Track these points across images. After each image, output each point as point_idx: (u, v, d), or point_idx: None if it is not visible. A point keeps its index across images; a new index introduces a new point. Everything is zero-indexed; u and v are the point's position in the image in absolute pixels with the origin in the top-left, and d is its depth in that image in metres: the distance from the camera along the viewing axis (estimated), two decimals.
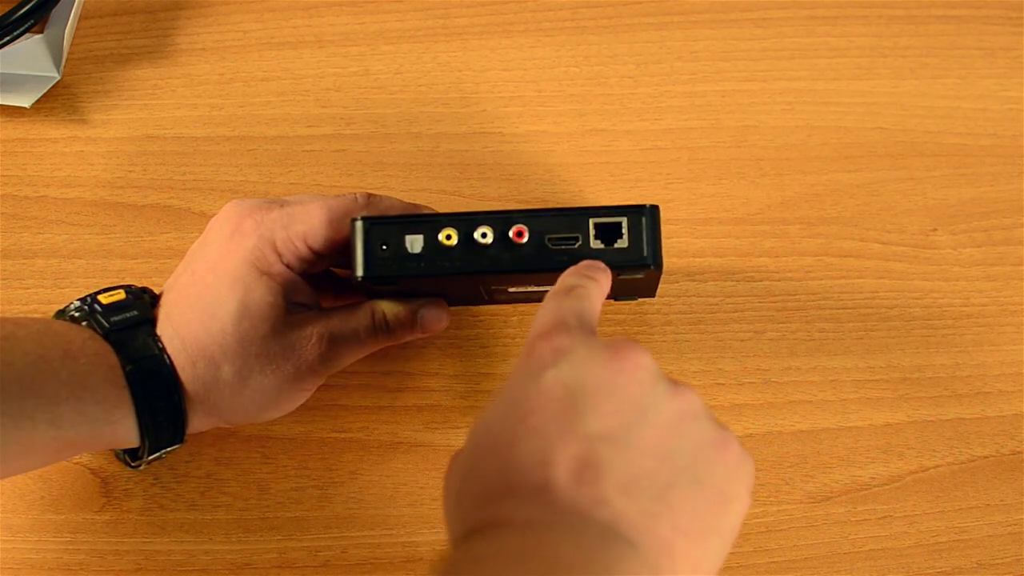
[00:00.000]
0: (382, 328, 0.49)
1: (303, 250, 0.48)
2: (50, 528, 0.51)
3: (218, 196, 0.59)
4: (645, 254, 0.45)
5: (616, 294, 0.51)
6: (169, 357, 0.46)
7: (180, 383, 0.46)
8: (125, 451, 0.49)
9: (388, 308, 0.49)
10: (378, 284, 0.47)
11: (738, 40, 0.64)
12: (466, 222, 0.46)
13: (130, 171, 0.60)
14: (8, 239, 0.58)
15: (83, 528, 0.51)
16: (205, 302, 0.47)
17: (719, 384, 0.55)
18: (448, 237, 0.46)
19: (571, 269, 0.44)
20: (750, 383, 0.55)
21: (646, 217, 0.46)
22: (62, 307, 0.49)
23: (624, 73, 0.63)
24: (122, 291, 0.49)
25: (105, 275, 0.57)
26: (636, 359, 0.38)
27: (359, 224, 0.46)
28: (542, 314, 0.41)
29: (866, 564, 0.51)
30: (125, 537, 0.51)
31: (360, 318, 0.49)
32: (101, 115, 0.61)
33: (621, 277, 0.46)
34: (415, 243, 0.46)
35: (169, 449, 0.48)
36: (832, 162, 0.60)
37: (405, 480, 0.53)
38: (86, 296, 0.49)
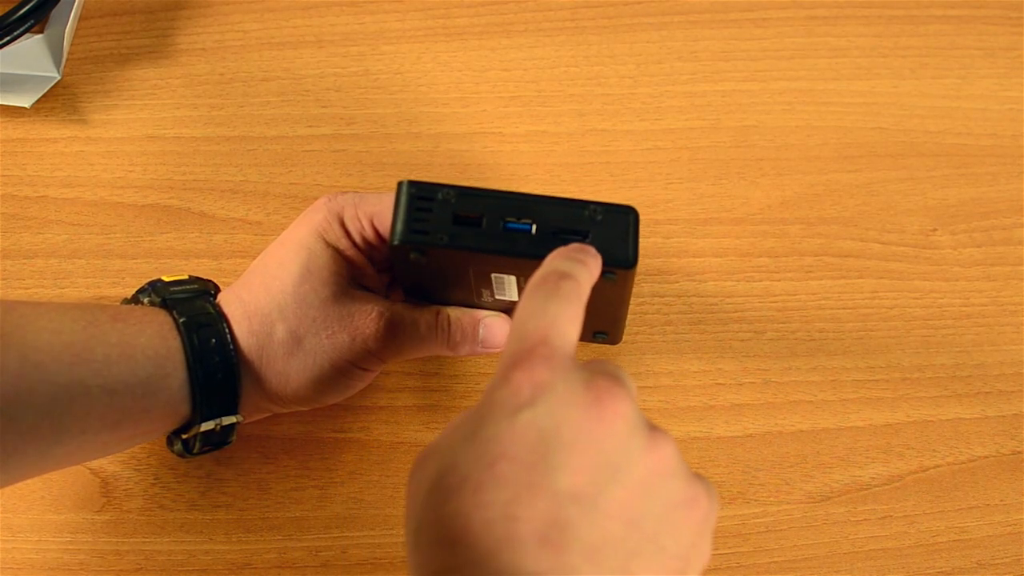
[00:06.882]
0: (443, 327, 0.49)
1: (369, 231, 0.48)
2: (50, 528, 0.51)
3: (218, 196, 0.59)
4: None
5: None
6: (227, 318, 0.47)
7: (235, 341, 0.47)
8: (178, 432, 0.48)
9: (452, 312, 0.50)
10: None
11: (738, 40, 0.64)
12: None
13: (130, 171, 0.60)
14: (8, 239, 0.58)
15: (83, 528, 0.51)
16: (269, 267, 0.48)
17: (719, 384, 0.55)
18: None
19: (560, 251, 0.42)
20: (750, 383, 0.55)
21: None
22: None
23: (624, 73, 0.63)
24: (186, 275, 0.51)
25: (105, 275, 0.57)
26: (616, 407, 0.36)
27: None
28: (525, 317, 0.38)
29: (866, 564, 0.51)
30: (125, 537, 0.51)
31: (424, 312, 0.49)
32: (101, 115, 0.61)
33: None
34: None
35: (223, 421, 0.48)
36: (832, 162, 0.60)
37: (405, 480, 0.53)
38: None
